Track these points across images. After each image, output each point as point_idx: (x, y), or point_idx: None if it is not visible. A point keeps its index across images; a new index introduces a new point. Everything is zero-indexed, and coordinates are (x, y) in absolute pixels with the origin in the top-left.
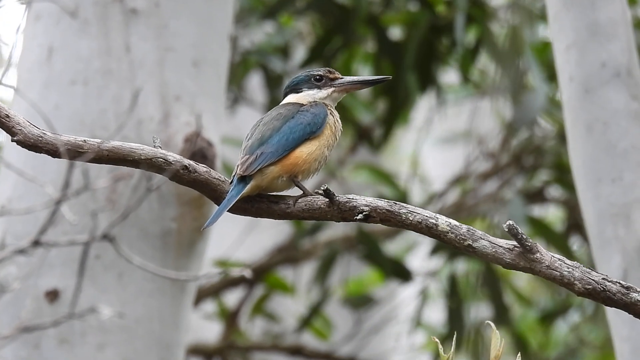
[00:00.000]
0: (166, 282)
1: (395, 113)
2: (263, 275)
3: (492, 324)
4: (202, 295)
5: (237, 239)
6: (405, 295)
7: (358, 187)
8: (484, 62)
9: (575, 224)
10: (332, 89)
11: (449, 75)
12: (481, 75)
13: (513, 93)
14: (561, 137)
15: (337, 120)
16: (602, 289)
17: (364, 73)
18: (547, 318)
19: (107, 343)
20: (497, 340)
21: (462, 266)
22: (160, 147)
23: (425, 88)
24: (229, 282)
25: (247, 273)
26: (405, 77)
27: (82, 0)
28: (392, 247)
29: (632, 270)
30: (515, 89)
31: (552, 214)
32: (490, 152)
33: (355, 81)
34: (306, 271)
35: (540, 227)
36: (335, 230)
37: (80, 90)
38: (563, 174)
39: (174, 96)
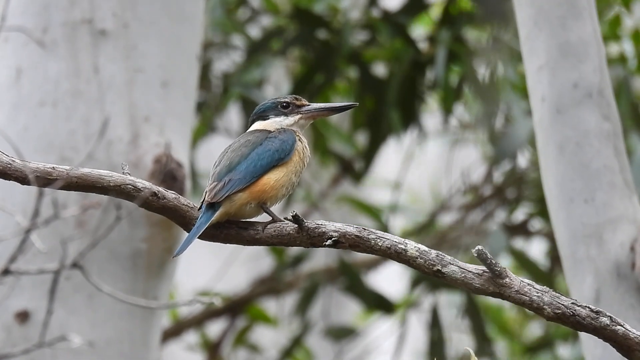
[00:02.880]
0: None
1: (376, 147)
2: (245, 306)
3: (471, 350)
4: (185, 326)
5: (219, 271)
6: (387, 327)
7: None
8: (467, 98)
9: (558, 256)
10: (299, 115)
11: (431, 111)
12: (464, 110)
13: (492, 128)
14: None
15: (306, 147)
16: (571, 313)
17: None
18: (532, 350)
19: None
20: None
21: (444, 298)
22: (129, 174)
23: (407, 124)
24: (212, 313)
25: (217, 301)
26: (387, 112)
27: (50, 22)
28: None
29: (604, 291)
30: (494, 123)
31: (536, 248)
32: (472, 184)
33: (322, 108)
34: (289, 302)
35: (522, 260)
36: (317, 261)
37: (49, 112)
38: (545, 207)
39: (143, 117)
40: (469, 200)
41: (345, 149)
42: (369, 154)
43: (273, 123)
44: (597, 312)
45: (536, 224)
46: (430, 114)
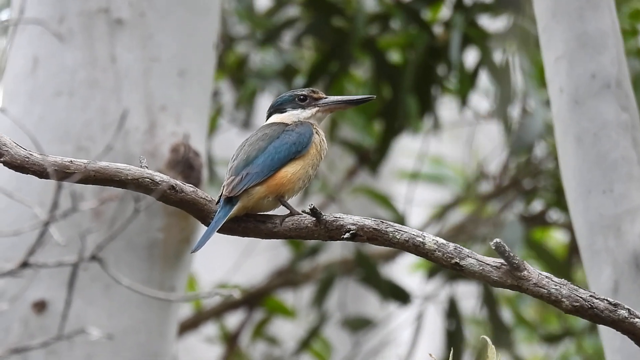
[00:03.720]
0: (152, 292)
1: (392, 136)
2: (263, 298)
3: (487, 338)
4: (203, 318)
5: (236, 263)
6: (404, 318)
7: (357, 210)
8: (484, 87)
9: (576, 247)
10: (317, 108)
11: (448, 99)
12: (481, 98)
13: (507, 117)
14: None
15: (323, 140)
16: (589, 306)
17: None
18: (551, 340)
19: (94, 354)
20: (493, 356)
21: (461, 289)
22: (147, 167)
23: (424, 112)
24: (230, 305)
25: (236, 294)
26: (403, 100)
27: (67, 11)
28: (392, 269)
29: (623, 282)
30: (510, 112)
31: (555, 239)
32: (490, 174)
33: (340, 101)
34: (306, 294)
35: (539, 251)
36: (334, 253)
37: (66, 101)
38: (562, 197)
39: (159, 106)
40: (487, 191)
41: (361, 137)
42: (385, 144)
43: (290, 116)
44: (615, 305)
45: (554, 215)
46: (447, 103)
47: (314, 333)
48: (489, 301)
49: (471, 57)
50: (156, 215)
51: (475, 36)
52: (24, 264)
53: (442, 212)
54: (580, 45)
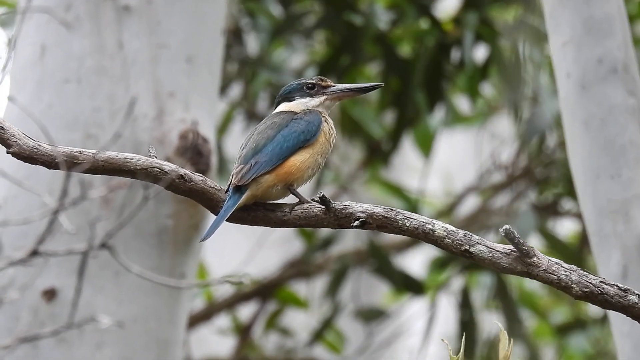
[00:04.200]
0: (162, 279)
1: (403, 128)
2: (276, 289)
3: (500, 325)
4: (215, 309)
5: (249, 254)
6: (417, 308)
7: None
8: (494, 79)
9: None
10: (325, 97)
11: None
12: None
13: (518, 108)
14: None
15: (332, 127)
16: (599, 292)
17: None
18: (564, 330)
19: (105, 342)
20: (506, 341)
21: (474, 279)
22: (156, 157)
23: (433, 105)
24: (242, 297)
25: (246, 280)
26: (413, 94)
27: None
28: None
29: (631, 267)
30: (521, 103)
31: (567, 228)
32: (502, 164)
33: (348, 89)
34: (319, 285)
35: (552, 241)
36: (347, 244)
37: (74, 89)
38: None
39: (167, 93)
40: (499, 181)
41: (373, 128)
42: (396, 136)
43: (299, 104)
44: (625, 290)
45: (566, 205)
46: (458, 96)
47: (327, 324)
48: (502, 292)
49: (481, 52)
50: (165, 202)
51: (486, 34)
52: (34, 253)
53: (454, 203)
54: (586, 30)
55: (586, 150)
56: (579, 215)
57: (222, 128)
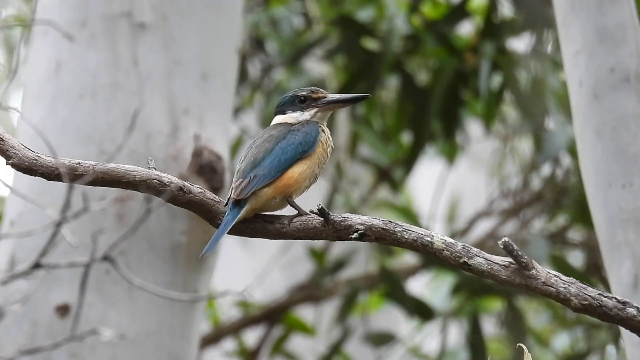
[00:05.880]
0: (165, 292)
1: (416, 155)
2: (284, 313)
3: (524, 347)
4: (222, 333)
5: (257, 278)
6: (427, 334)
7: None
8: (506, 107)
9: (594, 264)
10: (315, 109)
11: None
12: (504, 117)
13: (536, 133)
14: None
15: (329, 137)
16: (598, 304)
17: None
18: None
19: (117, 357)
20: None
21: (484, 305)
22: (155, 168)
23: (450, 133)
24: (250, 320)
25: (250, 296)
26: (429, 122)
27: (89, 15)
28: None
29: None
30: (540, 128)
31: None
32: (511, 191)
33: (338, 99)
34: (326, 309)
35: (564, 267)
36: (357, 268)
37: (89, 104)
38: (585, 212)
39: (182, 109)
40: (507, 207)
41: (380, 155)
42: (409, 162)
43: (289, 118)
44: (623, 303)
45: (574, 232)
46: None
47: (335, 349)
48: (512, 318)
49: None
50: (179, 218)
51: (502, 62)
52: (37, 265)
53: (465, 229)
54: (599, 39)
55: (597, 158)
56: (585, 244)
57: (233, 151)
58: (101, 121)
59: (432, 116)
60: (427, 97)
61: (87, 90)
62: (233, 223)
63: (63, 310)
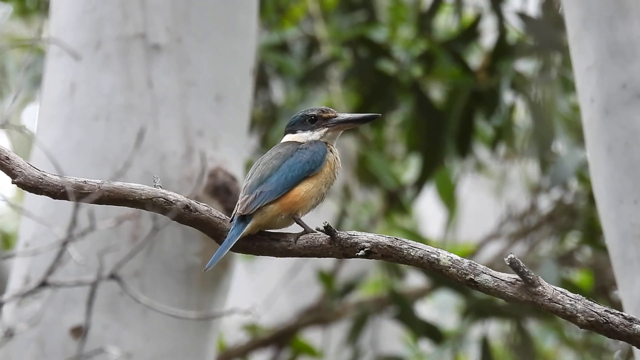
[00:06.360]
0: (195, 319)
1: (428, 176)
2: (292, 336)
3: None
4: (230, 355)
5: (266, 301)
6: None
7: None
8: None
9: (601, 287)
10: (326, 129)
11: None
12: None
13: (543, 155)
14: (591, 197)
15: (337, 158)
16: (604, 320)
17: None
18: None
19: None
20: None
21: (494, 328)
22: (160, 186)
23: (464, 153)
24: (258, 344)
25: (255, 314)
26: (444, 142)
27: (104, 36)
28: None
29: None
30: (546, 151)
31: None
32: (519, 214)
33: (348, 119)
34: (335, 332)
35: (574, 291)
36: (366, 291)
37: (103, 126)
38: (594, 235)
39: (196, 131)
40: (516, 230)
41: (387, 180)
42: (420, 183)
43: (299, 137)
44: (630, 320)
45: (583, 255)
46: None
47: None
48: (522, 340)
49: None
50: (193, 239)
51: (519, 82)
52: (43, 284)
53: (473, 251)
54: (610, 55)
55: (609, 174)
56: (592, 266)
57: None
58: (115, 143)
59: (448, 136)
60: (443, 117)
61: (102, 112)
62: (238, 238)
63: (77, 332)
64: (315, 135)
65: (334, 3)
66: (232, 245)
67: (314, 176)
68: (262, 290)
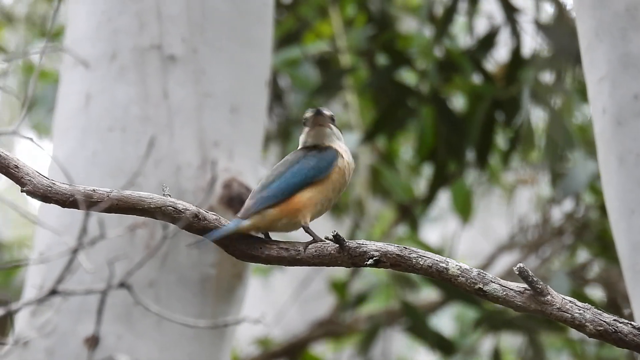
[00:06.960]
0: (205, 327)
1: (440, 186)
2: (304, 349)
3: None
4: None
5: (278, 314)
6: None
7: None
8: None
9: (613, 303)
10: (307, 129)
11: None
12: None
13: (555, 168)
14: (602, 209)
15: (349, 163)
16: (613, 330)
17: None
18: None
19: None
20: None
21: (505, 339)
22: (170, 195)
23: (484, 162)
24: (269, 356)
25: (265, 323)
26: (464, 152)
27: (119, 47)
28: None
29: None
30: (559, 163)
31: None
32: (532, 226)
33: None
34: (346, 345)
35: (584, 301)
36: (377, 303)
37: (118, 137)
38: (607, 248)
39: (212, 142)
40: (527, 243)
41: (400, 193)
42: (431, 194)
43: (300, 143)
44: (639, 329)
45: (594, 269)
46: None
47: None
48: (534, 353)
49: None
50: (208, 250)
51: (540, 91)
52: (53, 292)
53: (486, 264)
54: (623, 66)
55: (621, 185)
56: (603, 281)
57: None
58: (131, 154)
59: (469, 144)
60: (464, 126)
61: (117, 123)
62: (230, 231)
63: (92, 341)
64: (302, 137)
65: (355, 17)
66: (222, 233)
67: (319, 182)
68: (274, 304)
